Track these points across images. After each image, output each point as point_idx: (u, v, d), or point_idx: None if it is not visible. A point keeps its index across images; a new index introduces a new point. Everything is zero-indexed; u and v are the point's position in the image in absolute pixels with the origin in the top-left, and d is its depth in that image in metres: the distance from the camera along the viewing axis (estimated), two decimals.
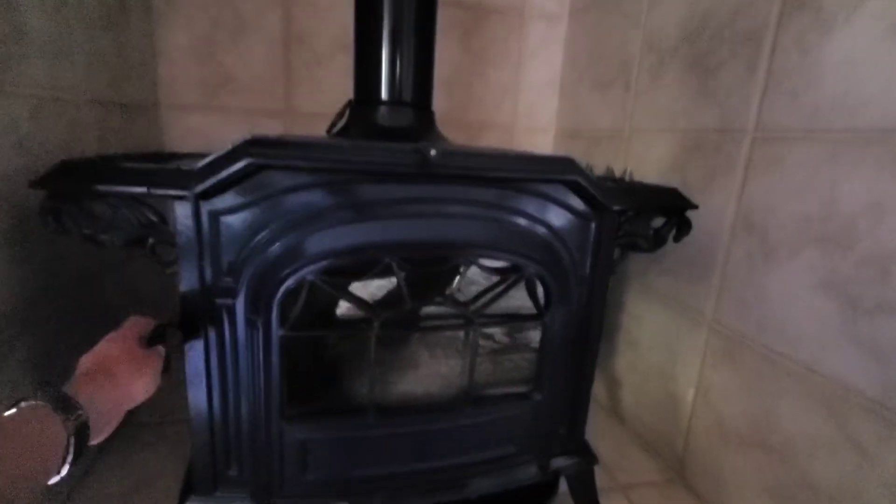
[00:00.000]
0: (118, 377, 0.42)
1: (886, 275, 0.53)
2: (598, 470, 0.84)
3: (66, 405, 0.35)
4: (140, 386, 0.44)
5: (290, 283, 0.51)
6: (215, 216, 0.50)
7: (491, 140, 1.30)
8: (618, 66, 1.02)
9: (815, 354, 0.60)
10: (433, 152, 0.47)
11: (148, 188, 0.47)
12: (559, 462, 0.72)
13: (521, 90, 1.29)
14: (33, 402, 0.34)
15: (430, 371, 0.73)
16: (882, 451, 0.53)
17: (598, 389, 1.08)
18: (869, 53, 0.55)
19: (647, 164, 0.92)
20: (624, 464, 0.87)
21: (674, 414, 0.85)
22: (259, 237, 0.51)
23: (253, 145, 0.47)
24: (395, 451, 0.64)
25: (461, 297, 0.63)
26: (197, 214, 0.49)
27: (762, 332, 0.68)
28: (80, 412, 0.35)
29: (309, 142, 0.50)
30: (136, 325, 0.47)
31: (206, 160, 0.47)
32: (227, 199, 0.50)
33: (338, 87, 1.15)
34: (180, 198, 0.48)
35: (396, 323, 0.59)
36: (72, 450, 0.34)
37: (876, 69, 0.54)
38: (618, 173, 0.80)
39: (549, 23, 1.25)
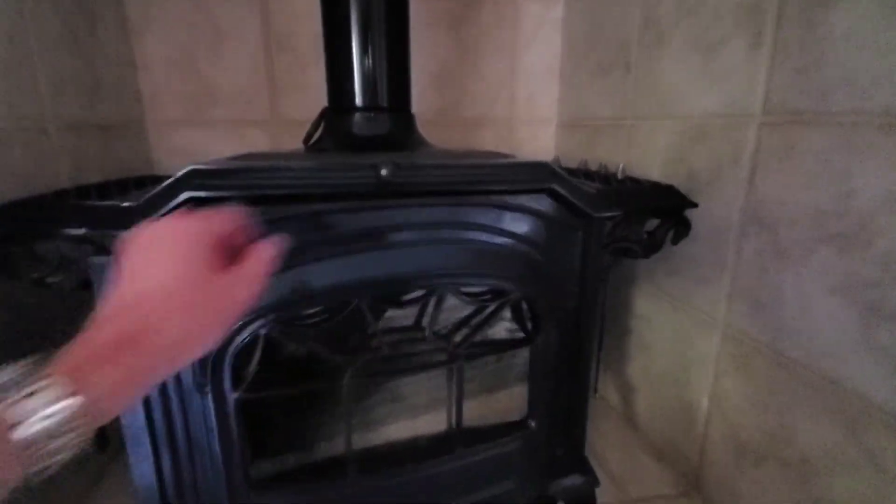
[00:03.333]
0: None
1: None
2: (608, 482, 0.79)
3: None
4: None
5: (241, 338, 0.46)
6: None
7: (488, 136, 1.24)
8: (617, 47, 0.95)
9: (833, 364, 0.54)
10: (384, 171, 0.43)
11: (87, 228, 0.44)
12: (558, 485, 0.67)
13: (517, 81, 1.23)
14: None
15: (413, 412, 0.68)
16: None
17: (612, 395, 1.03)
18: (871, 28, 0.48)
19: (651, 155, 0.85)
20: (636, 475, 0.82)
21: (688, 423, 0.79)
22: None
23: (192, 177, 0.43)
24: None
25: (440, 330, 0.58)
26: None
27: (777, 338, 0.62)
28: None
29: (252, 167, 0.46)
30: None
31: (147, 195, 0.44)
32: None
33: (324, 91, 1.12)
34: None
35: (370, 368, 0.54)
36: None
37: (878, 45, 0.47)
38: (618, 167, 0.75)
39: (544, 4, 1.18)
